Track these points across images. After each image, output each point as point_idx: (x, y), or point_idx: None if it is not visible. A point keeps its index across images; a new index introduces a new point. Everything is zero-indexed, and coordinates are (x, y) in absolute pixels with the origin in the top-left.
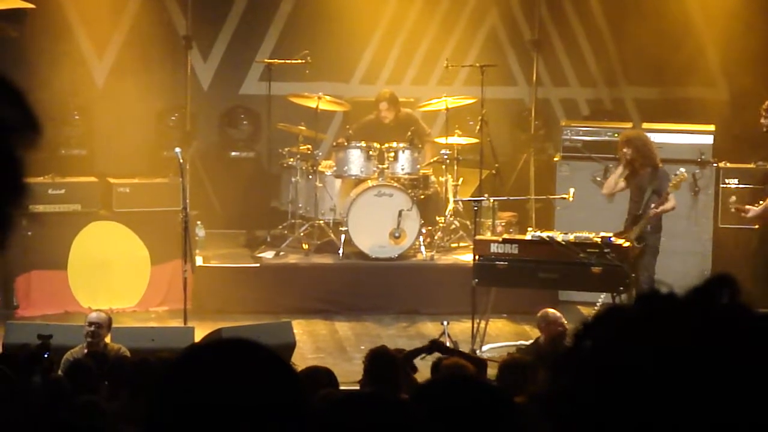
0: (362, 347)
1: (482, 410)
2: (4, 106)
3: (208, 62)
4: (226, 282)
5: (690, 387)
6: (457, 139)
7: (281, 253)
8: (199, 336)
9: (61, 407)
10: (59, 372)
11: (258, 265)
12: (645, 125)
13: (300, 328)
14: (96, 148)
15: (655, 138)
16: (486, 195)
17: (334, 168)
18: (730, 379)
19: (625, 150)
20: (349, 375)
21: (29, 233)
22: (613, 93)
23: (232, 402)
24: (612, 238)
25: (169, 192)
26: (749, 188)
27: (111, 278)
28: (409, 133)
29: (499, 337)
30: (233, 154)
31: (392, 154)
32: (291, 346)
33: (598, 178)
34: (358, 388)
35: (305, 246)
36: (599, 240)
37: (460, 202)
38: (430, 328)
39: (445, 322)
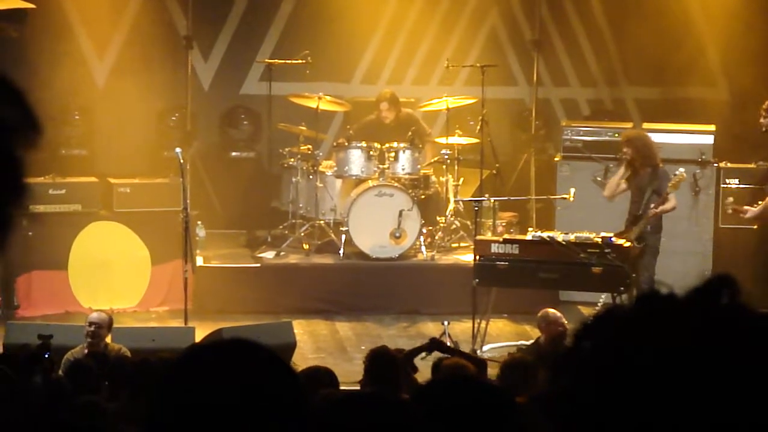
0: (363, 347)
1: (483, 410)
2: (5, 106)
3: (208, 62)
4: (227, 282)
5: (690, 387)
6: (458, 139)
7: (282, 253)
8: (199, 336)
9: (61, 407)
10: (60, 372)
11: (258, 265)
12: (645, 125)
13: (300, 328)
14: (96, 148)
15: (655, 138)
16: (486, 195)
17: (335, 168)
18: (730, 379)
19: (625, 150)
20: (350, 375)
21: (30, 233)
22: (614, 93)
23: (233, 402)
24: (612, 238)
25: (169, 192)
26: (749, 188)
27: (111, 278)
28: (410, 133)
29: (500, 337)
30: (234, 154)
31: (393, 154)
32: (291, 346)
33: (599, 178)
34: (358, 388)
35: (306, 246)
36: (600, 240)
37: (460, 202)
38: (431, 328)
39: (446, 322)
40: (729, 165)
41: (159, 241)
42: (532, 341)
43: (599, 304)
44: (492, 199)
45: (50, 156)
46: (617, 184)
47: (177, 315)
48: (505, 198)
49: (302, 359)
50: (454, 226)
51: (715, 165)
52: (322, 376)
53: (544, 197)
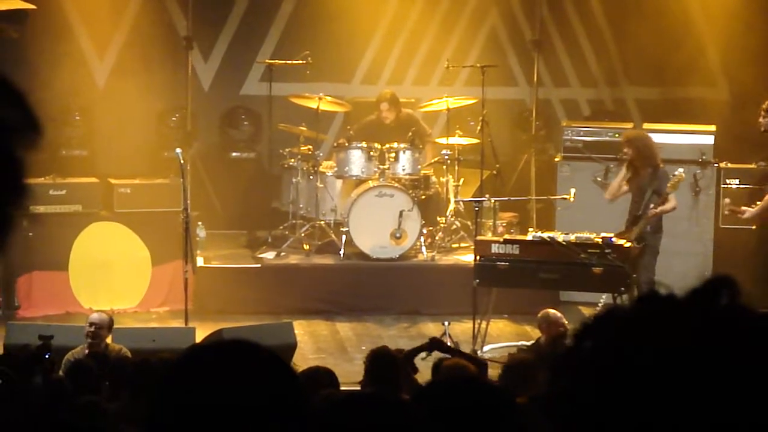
0: (363, 348)
1: (484, 411)
2: (5, 107)
3: (208, 63)
4: (227, 282)
5: (690, 387)
6: (458, 140)
7: (282, 253)
8: (200, 336)
9: (62, 408)
10: (60, 372)
11: (259, 265)
12: (646, 125)
13: (301, 329)
14: (97, 149)
15: (656, 138)
16: (487, 195)
17: (335, 168)
18: (730, 379)
19: (625, 150)
20: (350, 375)
21: (30, 234)
22: (614, 93)
23: (233, 403)
24: (613, 239)
25: (170, 192)
26: (749, 189)
27: (112, 279)
28: (410, 134)
29: (500, 338)
30: (234, 154)
31: (393, 155)
32: (292, 347)
33: (599, 179)
34: (359, 388)
35: (306, 246)
36: (600, 240)
37: (461, 203)
38: (431, 329)
39: (446, 323)
40: (729, 165)
41: (159, 241)
42: (532, 342)
43: (600, 305)
44: (492, 200)
45: (51, 156)
46: (618, 186)
47: (177, 315)
48: (506, 198)
49: (303, 359)
50: (454, 227)
51: (716, 165)
52: (323, 377)
53: (545, 197)
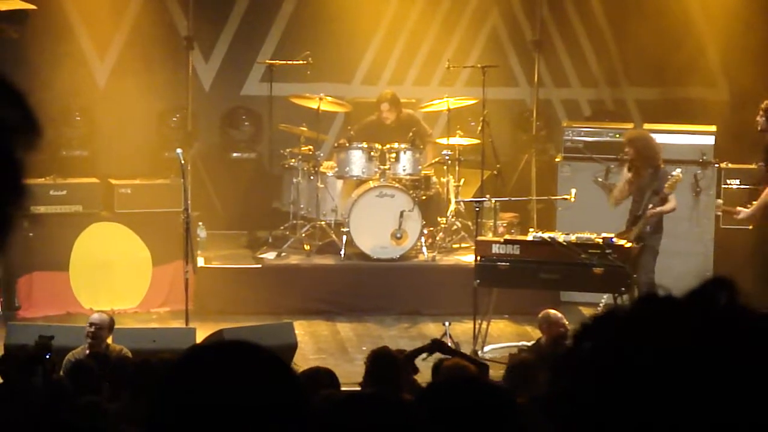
0: (364, 348)
1: (485, 411)
2: (5, 107)
3: (209, 63)
4: (228, 283)
5: (690, 387)
6: (459, 140)
7: (283, 254)
8: (200, 337)
9: (62, 408)
10: (61, 373)
11: (259, 265)
12: (646, 126)
13: (301, 329)
14: (97, 149)
15: (656, 139)
16: (487, 196)
17: (336, 169)
18: (730, 379)
19: (627, 150)
20: (351, 376)
21: (31, 234)
22: (615, 93)
23: (233, 403)
24: (613, 239)
25: (170, 193)
26: (749, 189)
27: (112, 279)
28: (411, 134)
29: (501, 338)
30: (235, 154)
31: (394, 155)
32: (293, 347)
33: (600, 179)
34: (359, 388)
35: (307, 247)
36: (601, 241)
37: (461, 203)
38: (432, 329)
39: (447, 323)
40: (730, 165)
41: (160, 241)
42: (533, 342)
43: (601, 305)
44: (493, 200)
45: (51, 157)
46: (621, 192)
47: (178, 316)
48: (506, 199)
49: (303, 360)
50: (455, 227)
51: (716, 165)
52: (323, 377)
53: (545, 198)
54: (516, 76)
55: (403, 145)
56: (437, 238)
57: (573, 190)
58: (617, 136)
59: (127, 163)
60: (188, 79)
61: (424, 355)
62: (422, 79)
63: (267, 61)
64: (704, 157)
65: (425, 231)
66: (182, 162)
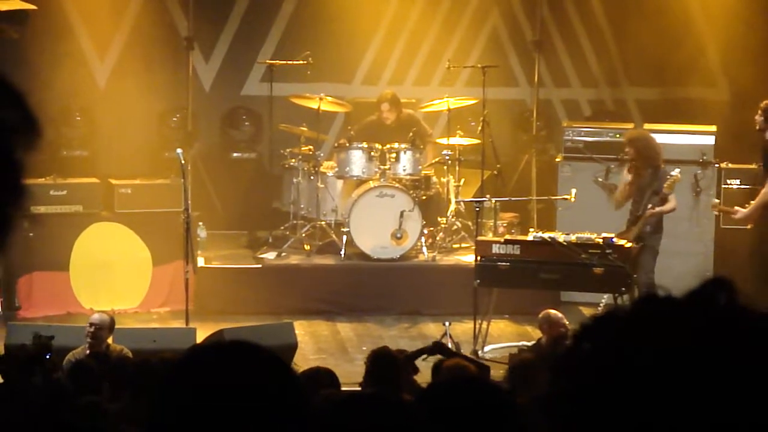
0: (364, 348)
1: (485, 411)
2: (5, 108)
3: (209, 63)
4: (228, 283)
5: (690, 387)
6: (459, 140)
7: (283, 254)
8: (200, 337)
9: (63, 408)
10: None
11: (260, 265)
12: (646, 126)
13: (302, 329)
14: (97, 149)
15: (656, 139)
16: (488, 196)
17: (336, 169)
18: (730, 379)
19: (627, 150)
20: (351, 376)
21: (31, 234)
22: (615, 93)
23: (234, 403)
24: (614, 239)
25: (170, 193)
26: (750, 189)
27: (113, 279)
28: (411, 134)
29: (501, 338)
30: (235, 155)
31: (394, 155)
32: (293, 347)
33: (600, 179)
34: (359, 388)
35: (307, 247)
36: (601, 241)
37: (461, 203)
38: (432, 329)
39: (447, 323)
40: (730, 165)
41: (160, 241)
42: (533, 342)
43: (601, 305)
44: (493, 200)
45: (51, 157)
46: (622, 194)
47: (178, 316)
48: (506, 199)
49: (303, 360)
50: (455, 227)
51: (716, 165)
52: (323, 377)
53: (545, 198)
54: (516, 76)
55: (403, 145)
56: (437, 238)
57: (573, 190)
58: (617, 136)
59: (128, 163)
60: (188, 79)
61: (424, 355)
62: (422, 79)
63: (267, 61)
64: (704, 157)
65: (425, 231)
66: (182, 162)
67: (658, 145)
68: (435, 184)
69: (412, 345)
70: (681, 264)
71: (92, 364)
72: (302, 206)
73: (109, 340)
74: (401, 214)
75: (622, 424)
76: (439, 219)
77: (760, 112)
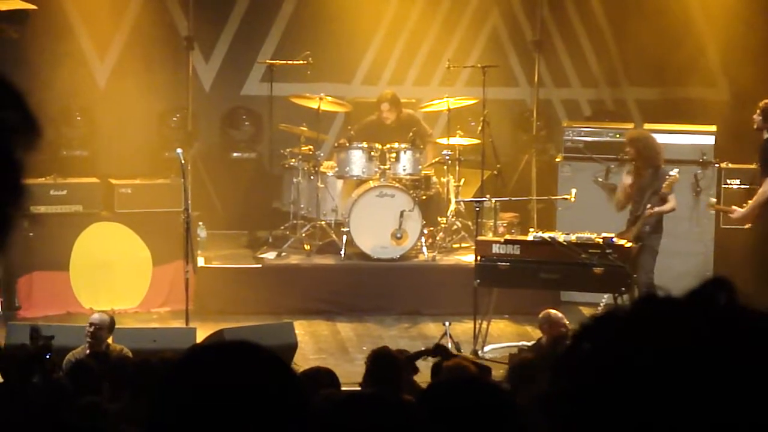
0: (364, 348)
1: (485, 411)
2: (4, 108)
3: (209, 63)
4: (228, 283)
5: (690, 387)
6: (459, 140)
7: (283, 253)
8: (201, 337)
9: (62, 408)
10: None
11: (260, 265)
12: (646, 126)
13: (302, 329)
14: (98, 149)
15: (656, 139)
16: (488, 196)
17: (336, 169)
18: (730, 379)
19: (627, 150)
20: (351, 376)
21: (31, 234)
22: (615, 93)
23: (234, 403)
24: (613, 239)
25: (170, 193)
26: (750, 189)
27: (113, 279)
28: (411, 134)
29: (501, 338)
30: (235, 154)
31: (394, 155)
32: (293, 347)
33: (600, 179)
34: (359, 388)
35: (307, 247)
36: (601, 240)
37: (461, 203)
38: (432, 329)
39: (447, 323)
40: (730, 165)
41: (160, 241)
42: (533, 342)
43: (601, 305)
44: (493, 200)
45: (51, 157)
46: (622, 193)
47: (178, 316)
48: (506, 198)
49: (303, 360)
50: (455, 227)
51: (716, 165)
52: (323, 377)
53: (545, 198)
54: (516, 76)
55: (403, 145)
56: (437, 238)
57: (573, 190)
58: (617, 136)
59: (128, 163)
60: (188, 79)
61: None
62: (422, 79)
63: (267, 61)
64: (704, 157)
65: (425, 231)
66: (182, 162)
67: (658, 145)
68: (435, 184)
69: (412, 345)
70: (681, 264)
71: (92, 364)
72: (302, 206)
73: (109, 340)
74: (401, 214)
75: (622, 424)
76: (439, 219)
77: (758, 111)
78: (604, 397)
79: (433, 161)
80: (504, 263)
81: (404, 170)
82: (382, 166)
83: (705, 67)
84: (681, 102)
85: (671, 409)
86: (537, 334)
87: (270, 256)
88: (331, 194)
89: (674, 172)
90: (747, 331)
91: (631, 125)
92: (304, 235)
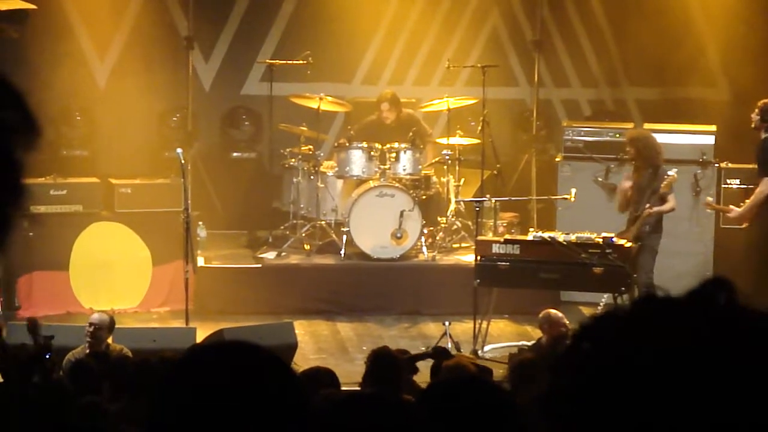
0: (364, 348)
1: (485, 411)
2: (4, 108)
3: (209, 63)
4: (228, 282)
5: (690, 387)
6: (459, 140)
7: (283, 253)
8: (200, 336)
9: (62, 408)
10: (61, 373)
11: (260, 265)
12: (646, 126)
13: (302, 329)
14: (97, 149)
15: (657, 138)
16: (487, 195)
17: (336, 168)
18: (730, 379)
19: (628, 149)
20: (351, 375)
21: (31, 234)
22: (615, 93)
23: (234, 403)
24: (613, 239)
25: (170, 193)
26: (750, 189)
27: (113, 279)
28: (411, 134)
29: (501, 338)
30: (235, 154)
31: (394, 155)
32: (293, 347)
33: (600, 179)
34: (359, 388)
35: (307, 246)
36: (601, 240)
37: (461, 203)
38: (432, 329)
39: (447, 323)
40: (730, 165)
41: (160, 241)
42: (533, 342)
43: (601, 305)
44: (493, 200)
45: (51, 156)
46: (625, 196)
47: (178, 315)
48: (506, 198)
49: (303, 360)
50: (455, 227)
51: (716, 165)
52: (323, 377)
53: (545, 198)
54: (516, 76)
55: (403, 145)
56: (437, 238)
57: (573, 190)
58: (617, 136)
59: (128, 163)
60: (188, 79)
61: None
62: (422, 79)
63: (267, 60)
64: (704, 157)
65: (425, 231)
66: (182, 162)
67: (658, 144)
68: (435, 184)
69: (412, 345)
70: (681, 264)
71: (92, 364)
72: (302, 206)
73: (109, 340)
74: (401, 214)
75: (622, 424)
76: (439, 219)
77: (756, 110)
78: (604, 397)
79: (433, 161)
80: (504, 263)
81: (404, 170)
82: (382, 166)
83: (705, 67)
84: (681, 102)
85: (671, 409)
86: (537, 333)
87: (270, 256)
88: (331, 194)
89: (672, 172)
90: (747, 331)
91: (631, 125)
92: (304, 234)
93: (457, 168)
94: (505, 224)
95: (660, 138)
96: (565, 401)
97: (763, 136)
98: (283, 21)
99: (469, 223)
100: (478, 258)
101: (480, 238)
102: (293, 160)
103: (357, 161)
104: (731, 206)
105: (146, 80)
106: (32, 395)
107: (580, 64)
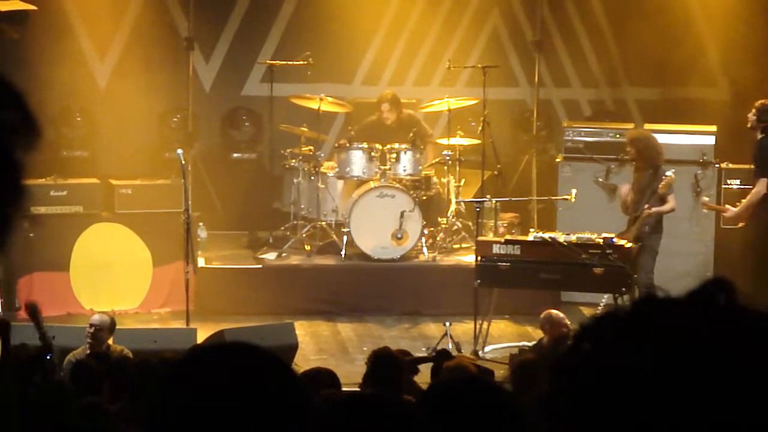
0: (364, 348)
1: (486, 411)
2: (4, 108)
3: (209, 63)
4: (229, 283)
5: (690, 387)
6: (459, 140)
7: (283, 254)
8: (201, 337)
9: (63, 408)
10: (62, 374)
11: (260, 266)
12: (647, 126)
13: (302, 329)
14: (98, 150)
15: (657, 138)
16: (488, 196)
17: (336, 169)
18: (729, 379)
19: (628, 149)
20: (352, 376)
21: (31, 235)
22: (615, 94)
23: (234, 404)
24: (614, 239)
25: (171, 193)
26: (749, 189)
27: (113, 280)
28: (411, 135)
29: (502, 338)
30: (235, 155)
31: (394, 155)
32: (293, 348)
33: (600, 179)
34: (359, 389)
35: (307, 247)
36: (601, 241)
37: (462, 203)
38: (433, 329)
39: (448, 323)
40: (730, 165)
41: (161, 242)
42: (534, 342)
43: (601, 305)
44: (493, 200)
45: (52, 157)
46: (624, 196)
47: (179, 316)
48: (507, 199)
49: (304, 360)
50: (455, 227)
51: (716, 165)
52: (324, 377)
53: (546, 198)
54: (516, 77)
55: (403, 146)
56: (438, 239)
57: (573, 191)
58: (618, 136)
59: (128, 164)
60: (189, 79)
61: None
62: (423, 80)
63: (267, 61)
64: (704, 157)
65: (426, 231)
66: (183, 162)
67: (659, 145)
68: (435, 185)
69: (413, 345)
70: (681, 264)
71: (92, 365)
72: (303, 206)
73: (110, 341)
74: (402, 215)
75: (622, 424)
76: (439, 219)
77: (753, 111)
78: (605, 397)
79: (434, 161)
80: (504, 263)
81: (404, 171)
82: (382, 167)
83: (705, 67)
84: (681, 102)
85: (671, 409)
86: (537, 334)
87: (270, 256)
88: (332, 195)
89: (670, 172)
90: (747, 331)
91: (631, 125)
92: (304, 235)
93: (457, 168)
94: (505, 225)
95: (660, 138)
96: (566, 402)
97: (760, 136)
98: (283, 21)
99: (470, 223)
100: (479, 258)
101: (480, 238)
102: (294, 160)
103: (357, 162)
104: (727, 206)
105: (146, 81)
106: (33, 395)
107: (581, 64)
